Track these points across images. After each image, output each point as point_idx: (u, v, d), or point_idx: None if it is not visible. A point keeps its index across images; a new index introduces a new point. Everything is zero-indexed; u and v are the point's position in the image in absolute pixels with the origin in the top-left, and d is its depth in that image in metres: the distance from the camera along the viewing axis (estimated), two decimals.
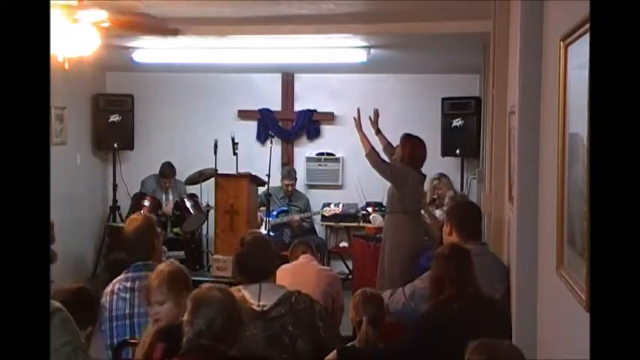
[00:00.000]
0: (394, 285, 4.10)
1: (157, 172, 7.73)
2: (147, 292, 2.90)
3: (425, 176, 5.30)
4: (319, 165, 8.12)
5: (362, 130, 5.29)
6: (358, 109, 5.40)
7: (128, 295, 3.23)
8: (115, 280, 3.31)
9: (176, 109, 8.33)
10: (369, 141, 5.20)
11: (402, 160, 5.12)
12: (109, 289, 3.29)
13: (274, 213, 7.36)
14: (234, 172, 6.60)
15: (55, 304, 1.94)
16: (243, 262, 3.10)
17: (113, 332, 3.21)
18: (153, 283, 2.87)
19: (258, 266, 3.06)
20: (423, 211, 5.51)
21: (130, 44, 6.35)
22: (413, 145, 5.13)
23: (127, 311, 3.21)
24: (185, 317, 2.43)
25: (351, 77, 7.96)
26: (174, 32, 4.48)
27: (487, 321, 2.79)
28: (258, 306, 2.93)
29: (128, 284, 3.25)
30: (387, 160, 5.34)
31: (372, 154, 5.11)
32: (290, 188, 7.64)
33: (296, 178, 7.74)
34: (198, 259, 7.47)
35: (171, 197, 7.66)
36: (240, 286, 3.02)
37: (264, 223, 7.02)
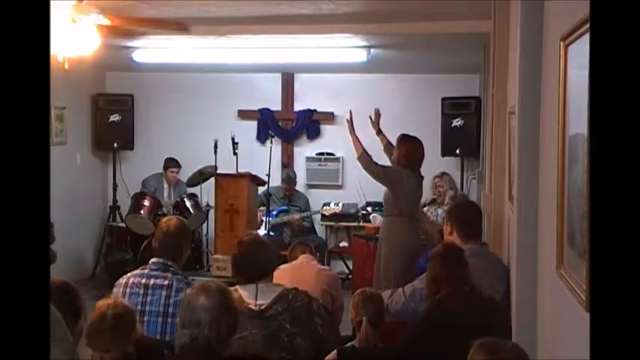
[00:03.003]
0: (389, 288, 4.09)
1: (158, 171, 7.75)
2: (87, 336, 2.58)
3: (422, 177, 5.26)
4: (319, 165, 8.11)
5: (354, 133, 5.25)
6: (350, 112, 5.37)
7: (142, 291, 3.20)
8: (130, 274, 3.29)
9: (176, 109, 8.34)
10: (361, 144, 5.17)
11: (398, 162, 5.07)
12: (123, 280, 3.26)
13: (274, 213, 7.36)
14: (234, 172, 6.61)
15: None
16: (241, 263, 3.11)
17: None
18: (94, 329, 2.55)
19: (254, 267, 3.07)
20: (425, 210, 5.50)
21: (130, 44, 6.35)
22: (409, 146, 5.09)
23: (139, 308, 3.15)
24: (178, 318, 2.41)
25: (351, 77, 7.96)
26: (183, 28, 4.46)
27: (485, 320, 2.79)
28: (256, 305, 2.94)
29: (143, 280, 3.22)
30: (388, 160, 5.33)
31: (364, 157, 5.07)
32: (290, 192, 7.66)
33: (295, 182, 7.75)
34: (198, 259, 7.47)
35: (172, 196, 7.66)
36: (238, 286, 3.03)
37: (264, 223, 7.02)
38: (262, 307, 2.94)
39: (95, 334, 2.56)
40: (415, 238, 5.14)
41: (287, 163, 8.11)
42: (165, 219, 3.52)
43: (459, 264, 2.99)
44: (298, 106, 8.20)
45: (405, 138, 5.14)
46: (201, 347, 2.30)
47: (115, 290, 3.25)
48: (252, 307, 2.93)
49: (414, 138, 5.15)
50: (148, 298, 3.18)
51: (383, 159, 5.33)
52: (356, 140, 5.20)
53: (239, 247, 3.12)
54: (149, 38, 6.02)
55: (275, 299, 2.97)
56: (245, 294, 2.97)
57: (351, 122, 5.30)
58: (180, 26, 4.46)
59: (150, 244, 3.57)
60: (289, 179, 7.66)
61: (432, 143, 6.10)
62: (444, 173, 7.17)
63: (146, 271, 3.27)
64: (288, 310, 2.96)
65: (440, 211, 6.80)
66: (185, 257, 3.47)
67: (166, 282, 3.21)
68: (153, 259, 3.30)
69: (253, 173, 6.49)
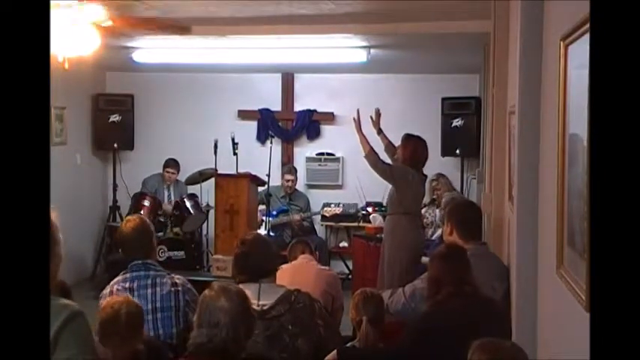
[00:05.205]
0: (394, 286, 4.10)
1: (159, 171, 7.76)
2: (100, 332, 2.67)
3: (426, 176, 5.31)
4: (319, 165, 8.12)
5: (361, 131, 5.30)
6: (358, 111, 5.41)
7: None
8: (112, 282, 3.29)
9: (176, 109, 8.34)
10: (368, 142, 5.21)
11: (403, 161, 5.12)
12: (107, 291, 3.27)
13: (274, 212, 7.36)
14: (234, 172, 6.61)
15: (74, 306, 1.82)
16: (243, 261, 3.10)
17: None
18: (109, 326, 2.65)
19: (257, 265, 3.06)
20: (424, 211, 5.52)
21: (130, 44, 6.35)
22: (414, 145, 5.14)
23: None
24: (195, 317, 2.43)
25: (351, 77, 7.96)
26: (185, 30, 4.45)
27: (486, 320, 2.79)
28: (258, 305, 2.94)
29: (127, 285, 3.23)
30: (389, 160, 5.35)
31: (371, 155, 5.12)
32: (291, 184, 7.65)
33: (296, 176, 7.76)
34: (198, 259, 7.48)
35: (172, 196, 7.66)
36: (240, 286, 3.02)
37: (264, 223, 7.02)
38: (265, 308, 2.94)
39: (109, 332, 2.64)
40: (420, 236, 5.20)
41: (287, 163, 8.10)
42: (124, 221, 3.53)
43: (461, 264, 2.98)
44: (298, 107, 8.20)
45: (409, 137, 5.20)
46: (217, 348, 2.31)
47: (100, 302, 3.18)
48: (254, 307, 2.93)
49: (419, 137, 5.21)
50: (135, 301, 3.17)
51: (383, 159, 5.33)
52: (363, 138, 5.25)
53: (242, 246, 3.12)
54: (149, 38, 6.03)
55: (278, 300, 2.97)
56: (248, 294, 2.96)
57: (358, 121, 5.34)
58: (182, 29, 4.44)
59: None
60: (291, 170, 7.71)
61: (432, 143, 6.06)
62: (440, 175, 7.17)
63: (127, 275, 3.28)
64: (290, 311, 2.96)
65: (438, 212, 6.81)
66: (156, 249, 3.53)
67: (149, 280, 3.24)
68: (133, 262, 3.30)
69: (253, 173, 6.49)
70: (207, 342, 2.32)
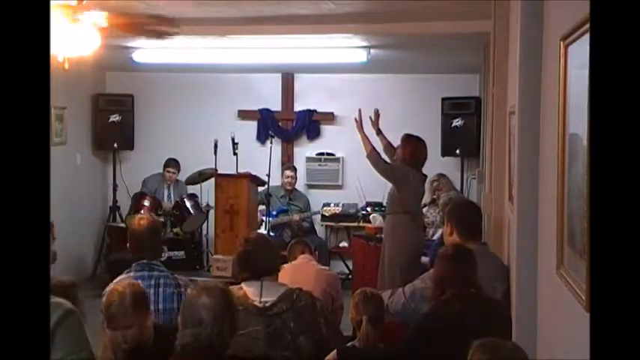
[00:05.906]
0: (395, 286, 4.10)
1: (159, 171, 7.77)
2: (108, 317, 2.74)
3: (426, 176, 5.32)
4: (319, 165, 8.12)
5: (363, 131, 5.32)
6: (359, 110, 5.42)
7: None
8: (116, 280, 3.29)
9: (176, 109, 8.34)
10: (370, 141, 5.23)
11: (403, 161, 5.14)
12: (109, 289, 3.27)
13: (274, 213, 7.37)
14: (234, 172, 6.61)
15: (67, 304, 1.85)
16: (247, 259, 3.12)
17: None
18: (116, 308, 2.71)
19: (260, 264, 3.08)
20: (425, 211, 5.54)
21: (130, 44, 6.35)
22: (414, 145, 5.16)
23: None
24: (179, 318, 2.43)
25: (351, 77, 7.96)
26: (173, 27, 4.44)
27: (488, 321, 2.79)
28: (260, 302, 2.95)
29: None
30: (388, 160, 5.36)
31: (372, 155, 5.13)
32: (291, 180, 7.65)
33: (296, 175, 7.76)
34: (198, 259, 7.48)
35: (172, 196, 7.67)
36: (243, 284, 3.03)
37: (264, 223, 7.02)
38: (267, 305, 2.95)
39: (117, 312, 2.69)
40: (420, 236, 5.23)
41: (287, 164, 8.10)
42: (136, 218, 3.53)
43: (468, 265, 2.98)
44: (298, 107, 8.20)
45: (409, 137, 5.22)
46: (203, 346, 2.31)
47: (103, 300, 3.15)
48: (256, 304, 2.94)
49: (418, 138, 5.24)
50: (139, 284, 3.19)
51: (384, 159, 5.34)
52: (365, 138, 5.27)
53: (246, 244, 3.13)
54: (148, 39, 6.02)
55: (280, 297, 2.98)
56: (250, 291, 2.98)
57: (359, 120, 5.36)
58: (168, 22, 4.44)
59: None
60: (290, 168, 7.72)
61: (432, 143, 6.09)
62: (441, 175, 7.18)
63: (131, 274, 3.29)
64: (292, 309, 2.97)
65: (438, 211, 6.81)
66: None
67: (152, 281, 3.25)
68: (138, 262, 3.32)
69: (253, 173, 6.49)
70: (193, 341, 2.32)
